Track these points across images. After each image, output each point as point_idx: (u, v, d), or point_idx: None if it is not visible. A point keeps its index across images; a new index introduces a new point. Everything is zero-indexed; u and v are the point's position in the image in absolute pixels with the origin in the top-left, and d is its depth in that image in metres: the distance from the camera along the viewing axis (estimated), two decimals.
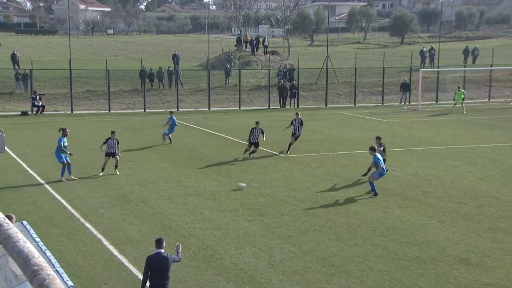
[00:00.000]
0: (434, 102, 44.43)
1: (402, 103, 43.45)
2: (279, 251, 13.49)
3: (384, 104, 43.95)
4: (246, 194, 18.40)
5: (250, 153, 23.79)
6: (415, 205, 17.07)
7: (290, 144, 24.92)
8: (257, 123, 23.92)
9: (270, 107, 41.62)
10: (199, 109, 40.74)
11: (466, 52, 57.41)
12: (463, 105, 38.38)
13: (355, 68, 45.72)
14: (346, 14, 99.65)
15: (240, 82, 42.82)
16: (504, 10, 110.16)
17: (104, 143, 21.00)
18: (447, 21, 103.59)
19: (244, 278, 12.11)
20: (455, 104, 38.64)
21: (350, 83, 46.20)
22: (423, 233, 14.63)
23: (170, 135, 27.00)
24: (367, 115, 37.93)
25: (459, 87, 40.28)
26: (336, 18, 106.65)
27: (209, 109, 40.78)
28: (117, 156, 21.06)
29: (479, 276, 11.95)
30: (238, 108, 41.27)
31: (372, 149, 18.70)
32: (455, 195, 18.11)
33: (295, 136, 24.99)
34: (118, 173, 20.96)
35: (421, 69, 44.55)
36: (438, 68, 49.48)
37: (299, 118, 25.08)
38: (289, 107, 42.04)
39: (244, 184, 19.12)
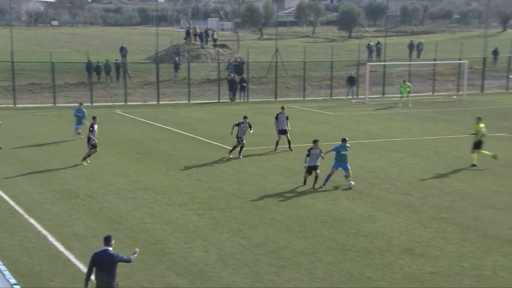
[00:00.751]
0: (381, 96, 45.26)
1: (350, 97, 44.11)
2: (229, 245, 13.52)
3: (332, 97, 44.50)
4: (196, 188, 18.34)
5: (238, 152, 22.53)
6: (363, 197, 17.39)
7: (277, 142, 23.98)
8: (245, 117, 22.94)
9: (220, 101, 41.52)
10: (148, 103, 40.26)
11: (411, 46, 58.76)
12: (409, 98, 39.28)
13: (304, 62, 46.08)
14: (294, 8, 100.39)
15: (189, 76, 42.51)
16: (446, 6, 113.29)
17: (90, 130, 21.28)
18: (392, 15, 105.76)
19: (194, 272, 12.08)
20: (401, 97, 39.50)
21: (299, 76, 46.54)
22: (371, 224, 14.93)
23: (79, 130, 25.63)
24: (316, 109, 38.33)
25: (404, 81, 41.16)
26: (285, 11, 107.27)
27: (158, 102, 40.35)
28: (97, 148, 21.47)
29: (423, 265, 12.29)
30: (187, 101, 41.00)
31: (344, 140, 18.56)
32: (401, 186, 18.54)
33: (282, 132, 23.98)
34: (88, 163, 21.23)
35: (368, 63, 45.26)
36: (384, 62, 50.43)
37: (285, 113, 24.33)
38: (239, 100, 42.05)
39: (353, 183, 18.29)
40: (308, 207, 16.44)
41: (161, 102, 40.40)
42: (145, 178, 19.54)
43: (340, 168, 18.58)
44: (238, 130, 22.66)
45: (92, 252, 10.27)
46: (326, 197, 17.43)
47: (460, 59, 48.39)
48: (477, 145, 21.20)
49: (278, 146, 24.07)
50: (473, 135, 21.42)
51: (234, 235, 14.17)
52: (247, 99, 42.38)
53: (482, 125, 21.41)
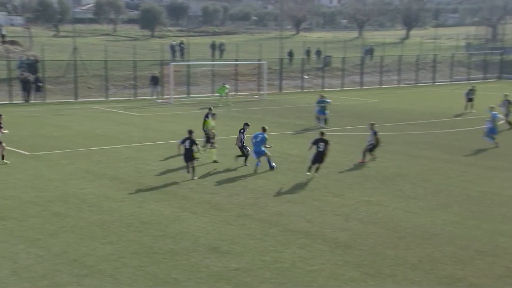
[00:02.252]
0: (186, 96, 45.96)
1: (154, 97, 44.14)
2: (24, 256, 12.69)
3: (137, 97, 44.16)
4: None
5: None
6: (170, 198, 17.48)
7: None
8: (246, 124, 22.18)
9: (13, 102, 38.80)
10: None
11: (213, 46, 60.55)
12: (227, 98, 40.87)
13: (106, 61, 45.05)
14: (93, 4, 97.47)
15: None
16: (245, 8, 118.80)
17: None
18: (194, 15, 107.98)
19: None
20: (221, 97, 40.88)
21: (101, 76, 45.39)
22: (177, 225, 15.06)
23: None
24: (120, 109, 37.72)
25: (223, 84, 42.68)
26: (83, 8, 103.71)
27: None
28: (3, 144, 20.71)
29: (228, 262, 12.71)
30: None
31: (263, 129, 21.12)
32: (207, 186, 18.98)
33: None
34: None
35: (171, 63, 45.66)
36: (188, 61, 51.27)
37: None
38: (34, 101, 39.69)
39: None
40: (112, 211, 16.08)
41: None
42: None
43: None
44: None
45: None
46: (132, 200, 17.21)
47: (259, 60, 51.05)
48: (208, 140, 22.91)
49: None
50: (210, 132, 23.01)
51: (31, 245, 13.33)
52: (44, 99, 40.19)
53: (213, 122, 23.43)
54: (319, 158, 20.07)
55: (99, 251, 13.16)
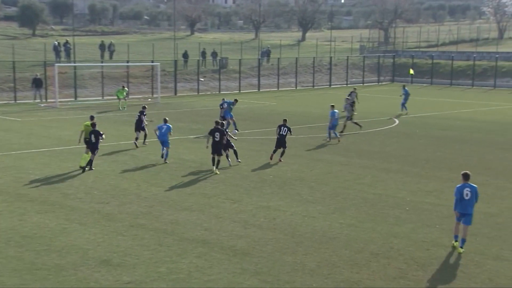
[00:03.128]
0: (73, 99, 44.56)
1: (38, 100, 42.47)
2: None
3: (17, 101, 42.29)
4: None
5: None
6: (55, 209, 16.84)
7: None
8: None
9: None
10: None
11: (102, 47, 59.08)
12: (125, 100, 40.48)
13: None
14: None
15: None
16: (136, 7, 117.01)
17: None
18: (80, 14, 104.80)
19: None
20: (119, 100, 40.03)
21: None
22: (64, 238, 14.52)
23: None
24: None
25: (123, 86, 41.80)
26: None
27: None
28: None
29: (120, 275, 12.40)
30: None
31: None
32: (97, 195, 18.47)
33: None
34: None
35: (56, 64, 44.09)
36: (74, 63, 49.74)
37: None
38: None
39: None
40: None
41: None
42: None
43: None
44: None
45: None
46: (11, 212, 16.41)
47: (152, 61, 50.48)
48: (87, 143, 21.89)
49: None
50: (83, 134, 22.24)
51: None
52: None
53: (88, 123, 22.20)
54: (216, 148, 21.65)
55: None
